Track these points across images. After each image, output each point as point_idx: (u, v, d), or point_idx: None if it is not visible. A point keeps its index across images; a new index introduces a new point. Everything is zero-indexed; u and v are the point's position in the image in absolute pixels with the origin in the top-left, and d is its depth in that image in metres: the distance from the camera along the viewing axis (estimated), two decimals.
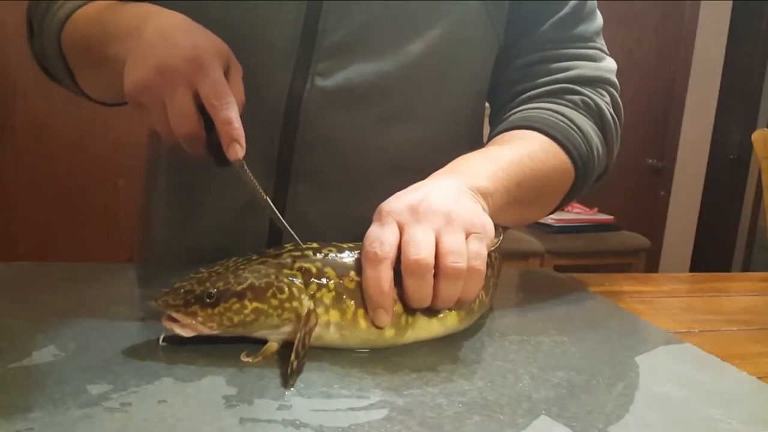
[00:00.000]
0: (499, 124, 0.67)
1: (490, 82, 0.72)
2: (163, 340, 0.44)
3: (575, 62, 0.68)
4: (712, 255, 3.50)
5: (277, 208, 0.51)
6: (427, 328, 0.48)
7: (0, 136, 2.11)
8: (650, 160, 3.16)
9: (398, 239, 0.45)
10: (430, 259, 0.44)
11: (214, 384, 0.38)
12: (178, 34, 0.50)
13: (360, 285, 0.45)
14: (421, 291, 0.45)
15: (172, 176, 0.72)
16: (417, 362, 0.44)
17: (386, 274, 0.44)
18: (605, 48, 0.72)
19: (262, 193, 0.49)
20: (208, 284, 0.42)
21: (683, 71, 3.09)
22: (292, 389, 0.39)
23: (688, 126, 3.13)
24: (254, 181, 0.49)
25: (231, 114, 0.49)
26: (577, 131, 0.64)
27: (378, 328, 0.45)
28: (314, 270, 0.45)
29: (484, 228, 0.47)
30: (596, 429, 0.36)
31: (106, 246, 2.23)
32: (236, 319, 0.42)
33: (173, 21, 0.53)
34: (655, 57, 3.04)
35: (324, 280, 0.44)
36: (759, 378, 0.46)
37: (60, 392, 0.36)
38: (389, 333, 0.45)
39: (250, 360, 0.42)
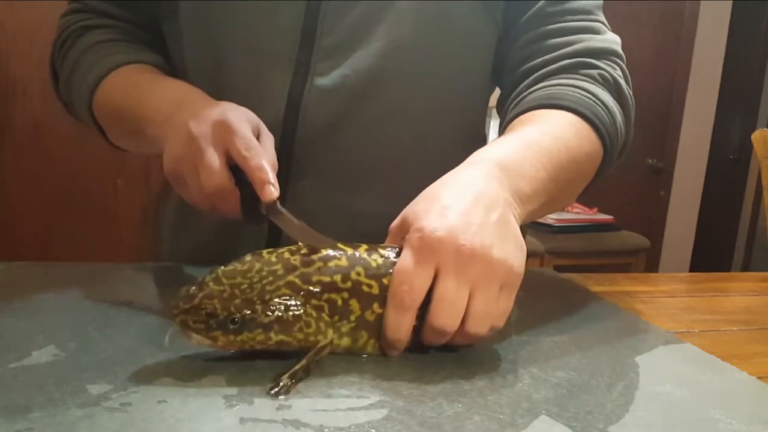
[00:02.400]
0: (519, 104, 0.65)
1: (496, 67, 0.71)
2: (168, 340, 0.43)
3: (579, 35, 0.67)
4: (712, 255, 3.50)
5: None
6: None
7: None
8: (650, 160, 3.16)
9: (430, 283, 0.42)
10: (456, 326, 0.43)
11: (214, 384, 0.38)
12: (208, 109, 0.53)
13: (379, 317, 0.44)
14: (437, 342, 0.44)
15: None
16: (417, 362, 0.44)
17: (408, 324, 0.43)
18: (606, 23, 0.70)
19: (304, 232, 0.47)
20: (232, 308, 0.40)
21: (683, 71, 3.09)
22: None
23: (687, 126, 3.13)
24: (293, 219, 0.48)
25: (261, 161, 0.49)
26: (603, 107, 0.62)
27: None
28: (340, 302, 0.43)
29: (519, 277, 0.45)
30: (596, 429, 0.36)
31: (106, 246, 2.23)
32: (258, 347, 0.41)
33: (206, 102, 0.56)
34: (654, 57, 3.04)
35: (347, 314, 0.43)
36: (759, 378, 0.46)
37: (60, 392, 0.36)
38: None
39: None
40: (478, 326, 0.43)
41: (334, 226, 0.64)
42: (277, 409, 0.36)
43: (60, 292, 0.55)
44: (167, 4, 0.67)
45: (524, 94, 0.66)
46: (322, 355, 0.42)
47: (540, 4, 0.67)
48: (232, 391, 0.38)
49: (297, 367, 0.40)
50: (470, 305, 0.43)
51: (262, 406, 0.36)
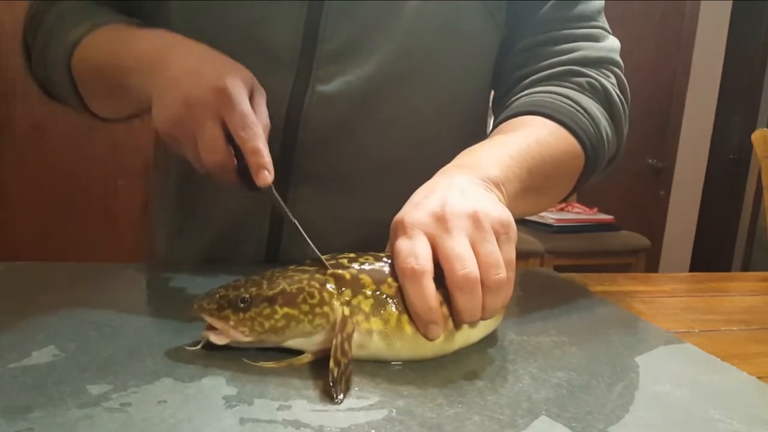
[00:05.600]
0: (504, 110, 0.66)
1: (494, 71, 0.71)
2: (202, 346, 0.43)
3: (578, 43, 0.67)
4: (711, 255, 3.50)
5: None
6: (474, 331, 0.46)
7: None
8: (650, 160, 3.16)
9: (431, 251, 0.43)
10: (477, 272, 0.42)
11: (214, 384, 0.38)
12: (203, 66, 0.51)
13: (399, 290, 0.43)
14: (472, 305, 0.43)
15: (176, 181, 0.72)
16: (416, 363, 0.44)
17: (430, 289, 0.42)
18: (608, 27, 0.70)
19: (291, 217, 0.49)
20: (242, 290, 0.42)
21: (683, 71, 3.09)
22: (287, 391, 0.39)
23: (688, 126, 3.13)
24: (283, 205, 0.50)
25: (258, 144, 0.49)
26: (585, 114, 0.63)
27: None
28: (348, 276, 0.43)
29: (510, 226, 0.45)
30: (596, 429, 0.36)
31: (106, 246, 2.23)
32: (267, 324, 0.41)
33: (196, 52, 0.54)
34: (655, 57, 3.05)
35: (360, 287, 0.43)
36: (759, 378, 0.46)
37: (60, 392, 0.36)
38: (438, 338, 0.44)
39: (272, 365, 0.42)
40: (496, 273, 0.42)
41: (334, 231, 0.64)
42: (277, 409, 0.36)
43: (60, 293, 0.55)
44: (153, 5, 0.65)
45: (511, 101, 0.67)
46: (348, 332, 0.41)
47: (544, 10, 0.67)
48: (232, 391, 0.38)
49: (333, 351, 0.40)
50: (478, 257, 0.43)
51: (263, 406, 0.36)
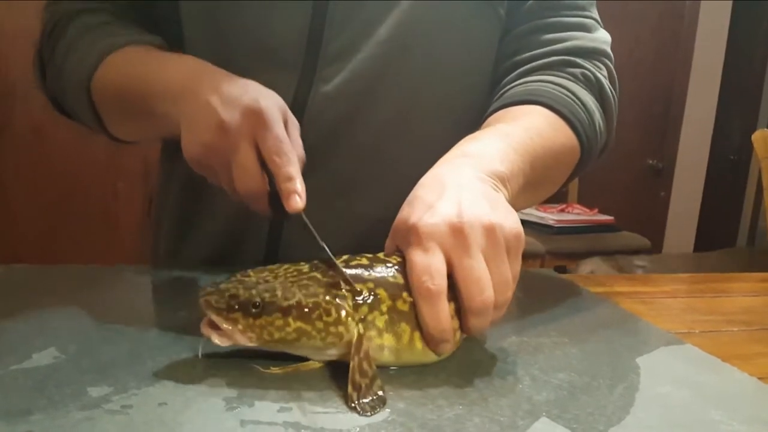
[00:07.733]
0: (500, 98, 0.65)
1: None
2: (201, 355, 0.42)
3: (572, 32, 0.67)
4: None
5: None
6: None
7: None
8: (650, 161, 3.16)
9: (446, 266, 0.42)
10: (494, 296, 0.42)
11: (214, 386, 0.38)
12: (235, 90, 0.50)
13: (412, 306, 0.42)
14: (483, 324, 0.43)
15: (180, 183, 0.72)
16: (417, 364, 0.44)
17: (444, 310, 0.41)
18: (599, 18, 0.71)
19: (321, 243, 0.46)
20: (254, 292, 0.40)
21: (683, 71, 3.09)
22: (287, 393, 0.39)
23: (688, 126, 3.13)
24: (314, 231, 0.47)
25: (291, 170, 0.47)
26: (581, 105, 0.63)
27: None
28: (366, 292, 0.42)
29: (521, 239, 0.45)
30: (597, 431, 0.36)
31: (106, 248, 2.23)
32: (277, 335, 0.40)
33: (226, 78, 0.52)
34: (654, 57, 3.04)
35: (376, 303, 0.42)
36: (760, 379, 0.46)
37: (60, 394, 0.36)
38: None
39: (278, 371, 0.41)
40: (504, 294, 0.43)
41: (334, 228, 0.64)
42: (278, 411, 0.36)
43: (60, 295, 0.55)
44: (164, 5, 0.66)
45: (506, 89, 0.66)
46: (365, 351, 0.41)
47: None
48: (233, 393, 0.38)
49: (351, 374, 0.39)
50: (491, 277, 0.42)
51: (263, 408, 0.36)
